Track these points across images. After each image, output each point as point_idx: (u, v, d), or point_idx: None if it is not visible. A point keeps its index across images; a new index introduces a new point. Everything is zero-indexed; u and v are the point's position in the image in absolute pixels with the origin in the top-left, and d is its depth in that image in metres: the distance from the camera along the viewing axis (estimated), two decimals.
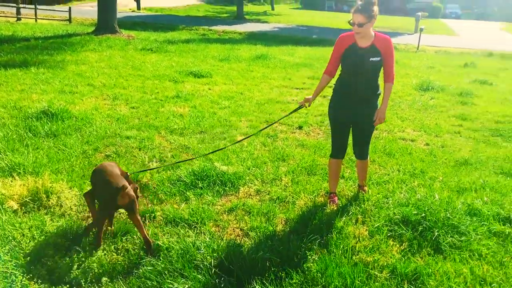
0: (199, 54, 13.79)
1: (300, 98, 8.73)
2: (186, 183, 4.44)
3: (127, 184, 3.25)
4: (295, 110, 4.56)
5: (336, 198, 4.29)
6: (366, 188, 4.49)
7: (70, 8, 23.40)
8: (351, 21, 3.75)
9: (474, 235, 3.65)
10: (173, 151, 5.43)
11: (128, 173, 3.74)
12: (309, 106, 4.22)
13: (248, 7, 44.21)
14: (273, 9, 44.56)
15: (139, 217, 3.27)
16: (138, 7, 31.61)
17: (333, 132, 4.23)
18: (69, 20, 22.64)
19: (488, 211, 4.03)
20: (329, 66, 4.05)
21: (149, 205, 3.92)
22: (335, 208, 4.10)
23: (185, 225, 3.69)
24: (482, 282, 3.12)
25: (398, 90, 9.86)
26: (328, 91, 7.62)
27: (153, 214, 3.83)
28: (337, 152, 4.23)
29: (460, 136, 6.87)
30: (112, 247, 3.34)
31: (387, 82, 3.92)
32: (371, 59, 3.78)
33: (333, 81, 4.19)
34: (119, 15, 19.55)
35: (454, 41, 23.83)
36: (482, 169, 5.37)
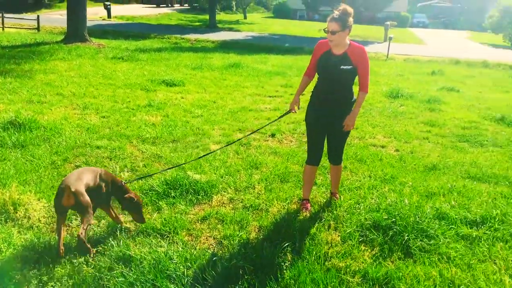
0: (172, 63, 13.73)
1: (274, 106, 8.81)
2: (158, 192, 4.39)
3: (78, 187, 3.19)
4: (284, 115, 4.60)
5: (308, 205, 4.32)
6: (338, 195, 4.55)
7: (38, 16, 22.99)
8: (326, 29, 3.85)
9: (442, 239, 3.74)
10: (145, 160, 5.37)
11: (123, 182, 3.72)
12: (298, 109, 4.27)
13: (220, 16, 44.31)
14: (245, 18, 44.83)
15: (86, 220, 3.20)
16: (109, 16, 31.28)
17: (309, 139, 4.31)
18: (38, 28, 22.23)
19: (455, 215, 4.13)
20: (308, 69, 4.19)
21: (120, 216, 3.86)
22: (308, 215, 4.14)
23: (157, 235, 3.65)
24: (451, 285, 3.19)
25: (368, 98, 10.02)
26: (301, 99, 7.56)
27: (124, 226, 3.77)
28: (313, 159, 4.30)
29: (429, 142, 7.03)
30: (82, 258, 3.28)
31: (360, 91, 4.01)
32: (341, 67, 3.87)
33: (311, 88, 4.25)
34: (89, 24, 19.29)
35: (422, 49, 24.47)
36: (450, 174, 5.51)
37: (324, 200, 4.49)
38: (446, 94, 11.37)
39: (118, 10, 36.47)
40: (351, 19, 3.85)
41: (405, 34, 36.74)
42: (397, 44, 25.44)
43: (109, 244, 3.46)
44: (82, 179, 3.30)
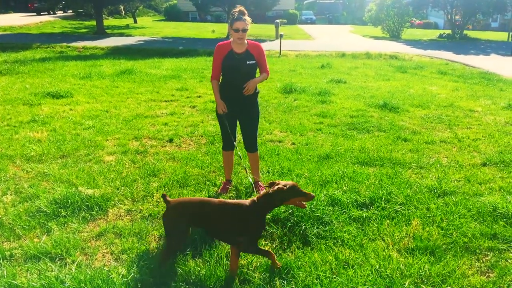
0: (57, 73, 12.87)
1: (170, 110, 8.65)
2: (47, 213, 4.09)
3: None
4: (225, 125, 4.57)
5: (228, 186, 4.77)
6: (262, 184, 4.83)
7: None
8: (236, 28, 4.25)
9: (336, 223, 3.94)
10: (31, 180, 4.97)
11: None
12: (226, 110, 4.47)
13: (109, 21, 42.58)
14: (135, 22, 43.53)
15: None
16: None
17: (222, 129, 4.70)
18: None
19: (347, 199, 4.38)
20: (214, 73, 4.49)
21: (4, 244, 3.53)
22: (224, 195, 4.51)
23: (47, 259, 3.39)
24: (346, 266, 3.37)
25: (264, 95, 10.27)
26: (198, 101, 7.64)
27: (9, 253, 3.45)
28: (227, 145, 4.75)
29: (322, 132, 7.37)
30: None
31: (263, 73, 4.56)
32: (247, 62, 4.37)
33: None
34: None
35: (311, 44, 25.62)
36: (342, 161, 5.82)
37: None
38: (335, 86, 11.98)
39: None
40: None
41: (295, 30, 38.25)
42: (288, 40, 26.43)
43: None
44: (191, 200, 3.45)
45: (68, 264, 3.33)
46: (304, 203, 3.18)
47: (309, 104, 9.55)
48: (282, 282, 3.16)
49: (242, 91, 4.40)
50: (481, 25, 47.12)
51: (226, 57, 4.36)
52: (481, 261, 3.54)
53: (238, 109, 4.54)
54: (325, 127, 7.67)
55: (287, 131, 7.35)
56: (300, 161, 5.82)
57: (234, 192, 4.70)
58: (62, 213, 4.10)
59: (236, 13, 4.28)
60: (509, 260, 3.53)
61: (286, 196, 3.09)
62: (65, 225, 3.94)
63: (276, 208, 4.09)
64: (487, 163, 5.90)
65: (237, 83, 4.40)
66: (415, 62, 18.50)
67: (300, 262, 3.37)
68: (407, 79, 13.66)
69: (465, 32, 35.61)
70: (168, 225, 3.17)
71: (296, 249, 3.59)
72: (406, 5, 34.70)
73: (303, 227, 3.82)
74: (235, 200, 3.36)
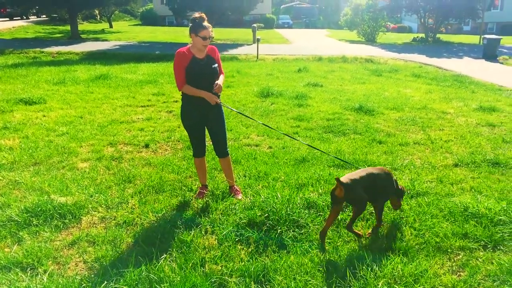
0: (30, 79, 12.63)
1: (146, 116, 8.57)
2: (18, 222, 4.00)
3: (349, 181, 3.65)
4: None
5: (204, 191, 4.75)
6: (238, 188, 4.84)
7: None
8: (203, 36, 4.25)
9: (312, 226, 3.97)
10: (1, 189, 4.85)
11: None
12: (218, 100, 4.48)
13: (84, 26, 42.03)
14: (111, 26, 43.06)
15: (354, 212, 3.78)
16: None
17: (190, 136, 4.70)
18: None
19: (322, 202, 4.41)
20: (181, 80, 4.36)
21: None
22: (200, 200, 4.54)
23: (18, 269, 3.32)
24: (321, 269, 3.39)
25: (241, 99, 10.28)
26: (174, 106, 7.59)
27: None
28: (198, 151, 4.74)
29: (298, 136, 7.40)
30: None
31: (221, 74, 4.59)
32: (212, 66, 4.42)
33: (179, 93, 4.51)
34: None
35: (288, 48, 25.76)
36: (318, 164, 5.86)
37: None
38: (311, 89, 12.06)
39: None
40: None
41: (272, 35, 38.39)
42: (266, 45, 26.53)
43: None
44: (358, 175, 3.74)
45: (40, 274, 3.27)
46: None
47: (286, 107, 9.59)
48: (258, 286, 3.17)
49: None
50: (454, 29, 48.16)
51: (190, 64, 4.30)
52: (452, 260, 3.62)
53: (205, 114, 4.52)
54: (301, 131, 7.72)
55: (264, 135, 7.36)
56: (277, 164, 5.84)
57: (210, 197, 4.68)
58: (34, 222, 4.02)
59: (198, 19, 4.26)
60: (479, 259, 3.61)
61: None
62: (37, 234, 3.86)
63: (252, 212, 4.11)
64: (459, 163, 6.03)
65: (204, 87, 4.36)
66: (390, 65, 18.79)
67: (276, 266, 3.38)
68: (382, 82, 13.86)
69: (438, 35, 36.32)
70: (355, 197, 3.64)
71: (272, 253, 3.60)
72: (380, 10, 35.22)
73: (279, 230, 3.84)
74: (381, 168, 4.13)
